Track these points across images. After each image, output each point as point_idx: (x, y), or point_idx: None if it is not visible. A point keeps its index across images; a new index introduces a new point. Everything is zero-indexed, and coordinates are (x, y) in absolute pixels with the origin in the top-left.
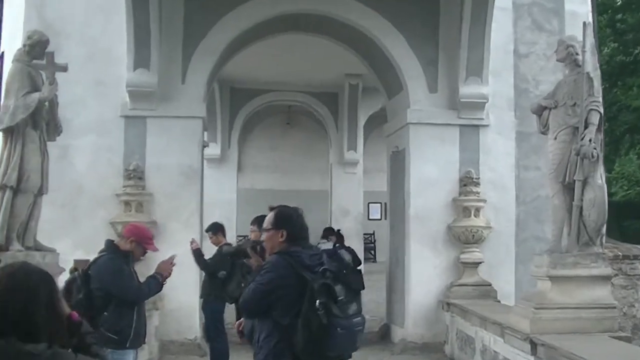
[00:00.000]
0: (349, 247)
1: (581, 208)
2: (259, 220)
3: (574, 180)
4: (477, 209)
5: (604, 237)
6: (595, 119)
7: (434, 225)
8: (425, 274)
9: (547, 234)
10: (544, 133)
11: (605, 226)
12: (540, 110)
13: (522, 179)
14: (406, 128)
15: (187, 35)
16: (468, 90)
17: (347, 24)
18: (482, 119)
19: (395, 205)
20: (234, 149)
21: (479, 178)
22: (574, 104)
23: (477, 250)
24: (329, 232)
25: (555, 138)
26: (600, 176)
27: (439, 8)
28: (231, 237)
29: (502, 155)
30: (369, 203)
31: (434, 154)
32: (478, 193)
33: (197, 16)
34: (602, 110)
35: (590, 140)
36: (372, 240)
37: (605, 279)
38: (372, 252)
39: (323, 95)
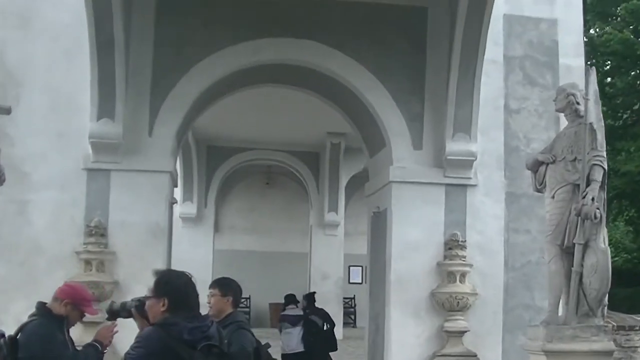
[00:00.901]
0: (321, 310)
1: (581, 275)
2: (219, 283)
3: (574, 244)
4: (463, 274)
5: (606, 308)
6: (598, 175)
7: (417, 291)
8: (407, 343)
9: (537, 302)
10: (539, 191)
11: (607, 296)
12: (536, 166)
13: (511, 243)
14: (388, 187)
15: (156, 84)
16: (455, 147)
17: (329, 76)
18: (470, 178)
19: (375, 269)
20: (210, 209)
21: (465, 241)
22: (575, 159)
23: (462, 318)
24: (291, 299)
25: (553, 197)
26: (603, 239)
27: (425, 60)
28: (204, 299)
29: (491, 218)
30: (349, 266)
31: (418, 214)
32: (464, 257)
33: (167, 63)
34: (606, 166)
35: (592, 199)
36: (353, 305)
37: (607, 354)
38: (352, 316)
39: (304, 155)
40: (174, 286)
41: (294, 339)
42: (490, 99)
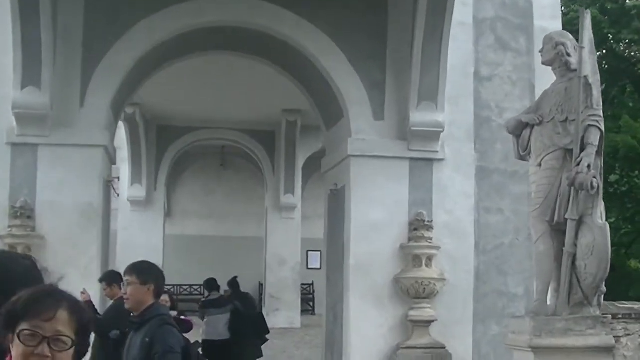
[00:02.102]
0: (246, 294)
1: (574, 256)
2: (137, 269)
3: (565, 220)
4: (429, 258)
5: (602, 296)
6: (594, 138)
7: (379, 276)
8: (368, 335)
9: (511, 289)
10: (523, 158)
11: (604, 282)
12: (519, 129)
13: (482, 223)
14: (346, 162)
15: (88, 49)
16: (420, 117)
17: (280, 40)
18: (437, 151)
19: (333, 253)
20: (160, 191)
21: (431, 221)
22: (566, 120)
23: (429, 306)
24: (212, 285)
25: (540, 165)
26: (600, 215)
27: (387, 21)
28: None
29: (460, 195)
30: (307, 251)
31: (379, 192)
32: (430, 239)
33: (100, 26)
34: (603, 128)
35: (588, 167)
36: (311, 291)
37: (606, 350)
38: (311, 303)
39: (259, 134)
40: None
41: (219, 325)
42: (459, 65)
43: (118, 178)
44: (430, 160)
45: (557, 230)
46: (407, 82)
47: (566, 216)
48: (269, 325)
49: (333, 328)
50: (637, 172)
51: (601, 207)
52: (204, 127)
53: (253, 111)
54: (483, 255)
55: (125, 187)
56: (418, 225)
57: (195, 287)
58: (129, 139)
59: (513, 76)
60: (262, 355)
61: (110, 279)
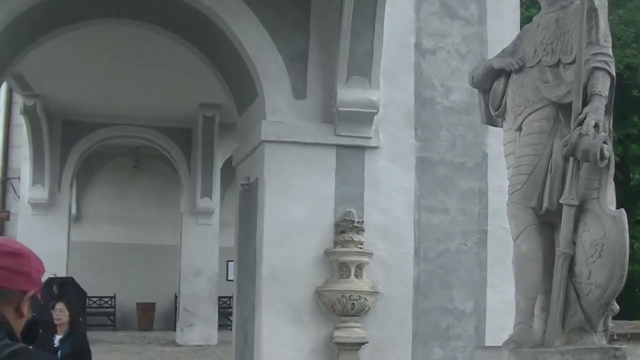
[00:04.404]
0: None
1: (572, 260)
2: None
3: (560, 207)
4: (359, 267)
5: (610, 318)
6: (603, 85)
7: (297, 288)
8: (285, 359)
9: (457, 304)
10: (493, 122)
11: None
12: (488, 80)
13: (423, 225)
14: (260, 149)
15: None
16: (350, 95)
17: (182, 2)
18: (370, 137)
19: (244, 260)
20: (65, 193)
21: (362, 222)
22: (558, 63)
23: (359, 325)
24: None
25: (520, 128)
26: (610, 198)
27: None
28: None
29: (397, 191)
30: (228, 261)
31: (299, 186)
32: (361, 244)
33: None
34: (614, 72)
35: (596, 127)
36: (230, 305)
37: None
38: (230, 318)
39: (174, 132)
40: None
41: None
42: (397, 35)
43: (18, 178)
44: (362, 147)
45: (547, 222)
46: (335, 53)
47: (561, 201)
48: (182, 341)
49: (243, 350)
50: None
51: (611, 187)
52: (115, 124)
53: (167, 105)
54: (424, 263)
55: (27, 189)
56: (346, 227)
57: (106, 300)
58: (30, 135)
59: (462, 49)
60: None
61: None
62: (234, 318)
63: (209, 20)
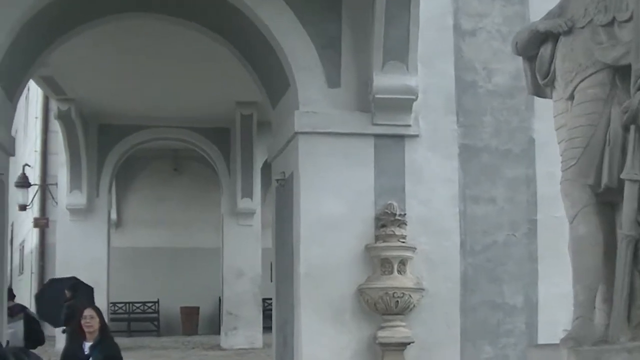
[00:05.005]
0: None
1: (637, 244)
2: None
3: (621, 183)
4: (403, 262)
5: None
6: None
7: (337, 287)
8: None
9: (507, 299)
10: (541, 92)
11: None
12: (533, 45)
13: (469, 216)
14: (294, 142)
15: None
16: (386, 81)
17: None
18: (409, 125)
19: (281, 259)
20: (103, 198)
21: (404, 215)
22: (612, 21)
23: (403, 324)
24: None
25: (572, 97)
26: None
27: None
28: (101, 306)
29: (440, 181)
30: (271, 262)
31: (336, 179)
32: (403, 238)
33: None
34: None
35: None
36: None
37: None
38: None
39: (212, 132)
40: None
41: (18, 336)
42: (434, 17)
43: (56, 184)
44: (401, 136)
45: (607, 201)
46: (369, 37)
47: (622, 176)
48: (226, 345)
49: (283, 354)
50: None
51: None
52: (151, 126)
53: (203, 105)
54: (471, 257)
55: (64, 195)
56: (387, 221)
57: (149, 305)
58: (65, 140)
59: (503, 29)
60: None
61: None
62: (273, 320)
63: (236, 9)
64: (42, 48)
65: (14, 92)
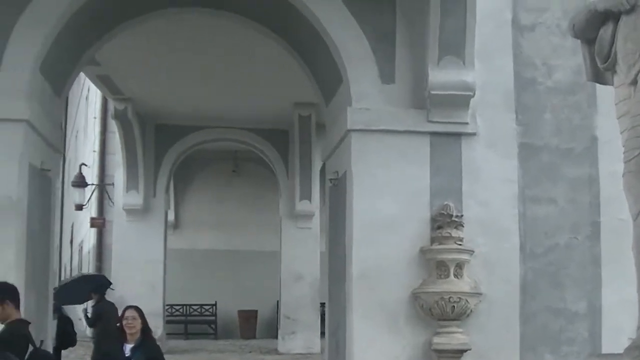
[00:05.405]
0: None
1: None
2: None
3: None
4: (459, 265)
5: None
6: None
7: (391, 291)
8: None
9: (569, 305)
10: (601, 78)
11: None
12: (592, 27)
13: (529, 218)
14: (347, 140)
15: None
16: (443, 77)
17: None
18: (466, 123)
19: (334, 261)
20: (160, 198)
21: (461, 216)
22: None
23: (460, 330)
24: None
25: (635, 82)
26: None
27: None
28: (157, 308)
29: (498, 181)
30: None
31: (391, 178)
32: (460, 240)
33: None
34: None
35: None
36: None
37: None
38: None
39: (270, 133)
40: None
41: None
42: (491, 11)
43: (112, 184)
44: (458, 134)
45: None
46: (424, 31)
47: None
48: (283, 349)
49: (336, 358)
50: None
51: None
52: (208, 126)
53: (261, 105)
54: (531, 260)
55: (121, 195)
56: (443, 222)
57: (207, 307)
58: (122, 140)
59: (563, 24)
60: None
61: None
62: (326, 324)
63: (289, 3)
64: (90, 43)
65: (61, 88)
